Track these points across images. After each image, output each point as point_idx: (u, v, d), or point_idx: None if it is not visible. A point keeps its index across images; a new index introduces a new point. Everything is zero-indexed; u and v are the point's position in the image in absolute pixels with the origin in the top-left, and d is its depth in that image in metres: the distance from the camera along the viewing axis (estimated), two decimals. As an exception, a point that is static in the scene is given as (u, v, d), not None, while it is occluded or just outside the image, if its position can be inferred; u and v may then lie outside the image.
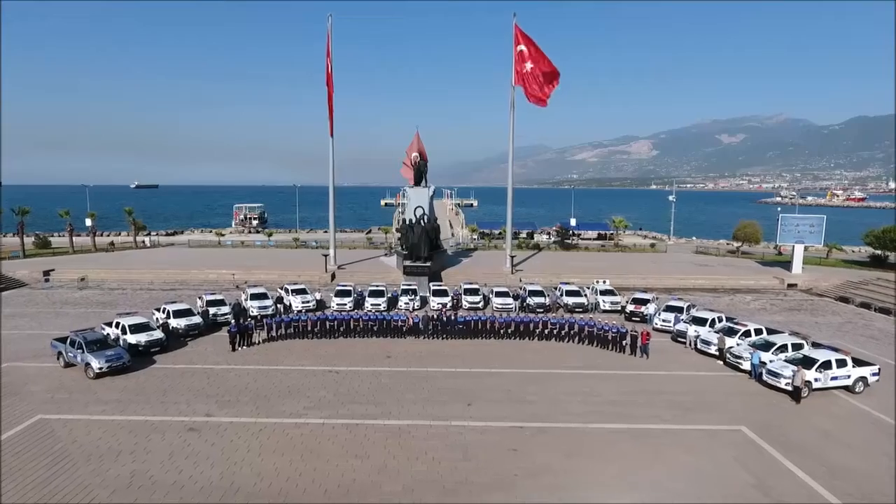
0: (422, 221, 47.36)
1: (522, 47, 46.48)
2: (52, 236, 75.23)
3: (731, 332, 28.28)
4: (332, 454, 17.83)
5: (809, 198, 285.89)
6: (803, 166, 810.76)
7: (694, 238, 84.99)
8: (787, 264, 53.50)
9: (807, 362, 23.32)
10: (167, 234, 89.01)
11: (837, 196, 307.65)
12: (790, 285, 48.22)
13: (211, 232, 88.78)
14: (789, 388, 22.75)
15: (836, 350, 24.43)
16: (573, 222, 76.46)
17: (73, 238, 65.41)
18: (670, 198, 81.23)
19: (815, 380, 22.93)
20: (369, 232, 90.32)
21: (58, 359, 25.98)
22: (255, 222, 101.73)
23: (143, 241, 72.16)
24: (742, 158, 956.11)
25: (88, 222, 69.62)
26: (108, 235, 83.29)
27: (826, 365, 23.23)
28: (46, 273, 49.12)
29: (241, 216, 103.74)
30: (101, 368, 24.09)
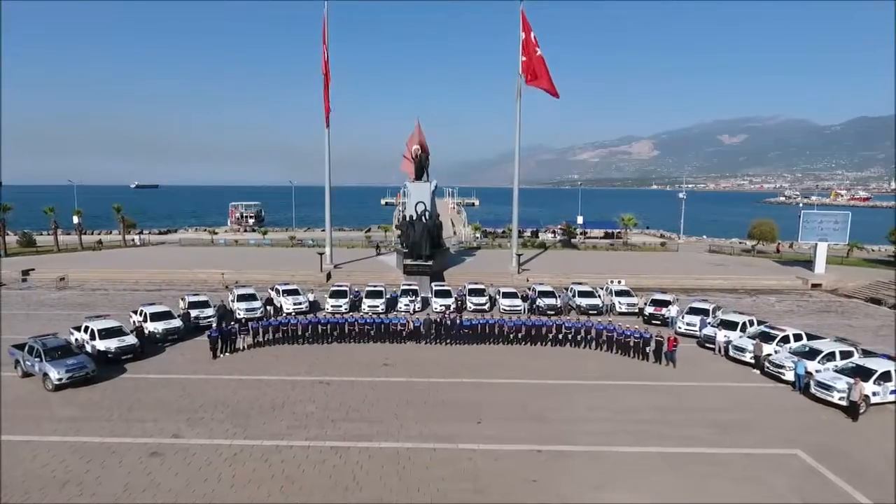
0: (423, 217, 44.54)
1: (532, 35, 43.87)
2: (41, 234, 72.62)
3: (766, 337, 25.46)
4: (318, 486, 15.01)
5: (813, 197, 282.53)
6: (805, 167, 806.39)
7: (704, 237, 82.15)
8: (807, 263, 51.15)
9: (862, 373, 20.47)
10: (160, 233, 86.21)
11: (841, 196, 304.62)
12: (814, 285, 45.41)
13: (205, 230, 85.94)
14: (844, 402, 19.92)
15: (892, 359, 21.60)
16: (580, 220, 73.58)
17: (59, 236, 62.80)
18: (680, 195, 78.57)
19: (874, 394, 20.11)
20: (369, 231, 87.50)
21: (15, 368, 23.17)
22: (251, 221, 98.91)
23: (133, 240, 69.37)
24: (743, 159, 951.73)
25: (76, 220, 66.86)
26: (99, 234, 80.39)
27: (885, 376, 20.41)
28: (25, 273, 46.36)
29: (238, 214, 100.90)
30: (60, 379, 21.27)
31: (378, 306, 34.02)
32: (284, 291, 35.18)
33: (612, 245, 68.93)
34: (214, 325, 27.74)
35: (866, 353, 23.27)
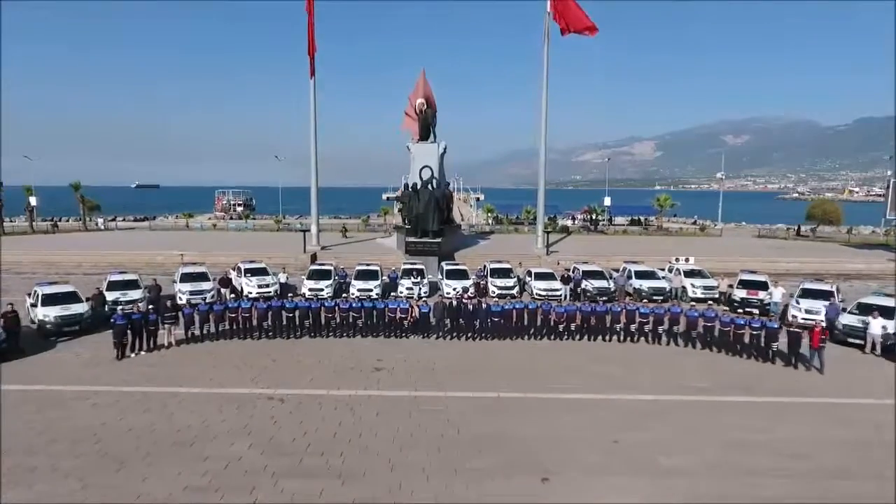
0: (430, 185, 35.95)
1: None
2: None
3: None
4: None
5: (828, 195, 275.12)
6: (809, 167, 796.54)
7: (744, 223, 73.64)
8: (884, 247, 43.57)
9: None
10: (136, 220, 77.76)
11: (855, 192, 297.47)
12: (914, 270, 36.73)
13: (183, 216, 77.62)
14: None
15: None
16: (607, 201, 64.84)
17: (18, 222, 54.53)
18: (719, 174, 70.78)
19: None
20: (367, 218, 79.26)
21: None
22: (239, 208, 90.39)
23: (97, 224, 60.95)
24: (746, 159, 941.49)
25: (33, 201, 58.48)
26: (67, 220, 71.63)
27: None
28: (-57, 255, 37.87)
29: (224, 202, 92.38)
30: None
31: (371, 290, 25.40)
32: (247, 271, 26.57)
33: (646, 230, 60.31)
34: (120, 310, 18.89)
35: None
